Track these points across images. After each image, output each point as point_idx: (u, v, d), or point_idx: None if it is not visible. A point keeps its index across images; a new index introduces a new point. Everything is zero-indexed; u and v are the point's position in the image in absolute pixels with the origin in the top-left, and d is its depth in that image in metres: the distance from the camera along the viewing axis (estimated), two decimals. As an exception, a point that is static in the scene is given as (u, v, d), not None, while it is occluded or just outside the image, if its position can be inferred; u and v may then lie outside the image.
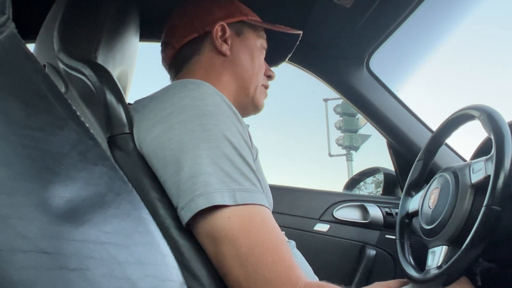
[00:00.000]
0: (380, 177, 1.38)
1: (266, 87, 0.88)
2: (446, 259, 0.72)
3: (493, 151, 0.67)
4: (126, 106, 0.65)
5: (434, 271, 0.71)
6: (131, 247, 0.35)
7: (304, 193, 1.25)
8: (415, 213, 0.90)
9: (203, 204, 0.54)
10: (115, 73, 0.77)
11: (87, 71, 0.65)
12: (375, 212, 1.16)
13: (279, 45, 0.95)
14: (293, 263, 0.57)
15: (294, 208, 1.20)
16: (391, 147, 1.26)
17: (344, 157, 9.64)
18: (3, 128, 0.31)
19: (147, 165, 0.62)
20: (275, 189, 0.94)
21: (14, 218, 0.28)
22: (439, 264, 0.72)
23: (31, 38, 0.88)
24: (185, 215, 0.56)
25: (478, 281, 0.74)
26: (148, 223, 0.39)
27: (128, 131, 0.64)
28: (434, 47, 1.42)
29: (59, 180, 0.33)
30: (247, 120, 0.80)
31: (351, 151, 9.55)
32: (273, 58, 0.98)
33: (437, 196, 0.81)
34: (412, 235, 0.92)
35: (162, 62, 0.89)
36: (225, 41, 0.82)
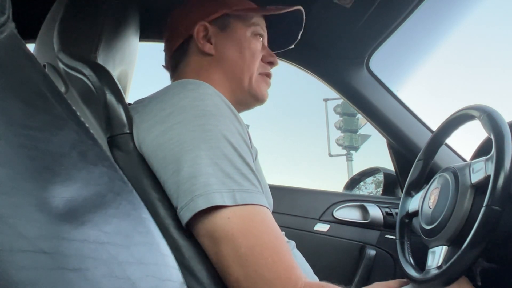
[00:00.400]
0: (380, 177, 1.38)
1: (267, 75, 0.85)
2: (446, 259, 0.72)
3: (493, 151, 0.67)
4: (126, 106, 0.65)
5: (434, 271, 0.71)
6: (131, 247, 0.35)
7: (304, 193, 1.26)
8: (415, 213, 0.90)
9: (202, 205, 0.54)
10: (115, 73, 0.77)
11: (87, 71, 0.65)
12: (375, 212, 1.16)
13: (286, 25, 0.92)
14: (293, 263, 0.57)
15: (294, 208, 1.20)
16: (391, 147, 1.26)
17: (344, 157, 9.65)
18: (2, 128, 0.31)
19: (147, 165, 0.62)
20: (275, 189, 0.94)
21: (14, 218, 0.28)
22: (439, 264, 0.72)
23: (31, 38, 0.88)
24: (185, 216, 0.56)
25: (478, 281, 0.74)
26: (148, 223, 0.39)
27: (128, 131, 0.64)
28: (434, 47, 1.42)
29: (59, 180, 0.33)
30: (247, 120, 0.80)
31: (351, 151, 9.56)
32: (285, 39, 0.96)
33: (437, 196, 0.81)
34: (412, 235, 0.92)
35: (164, 66, 0.90)
36: (209, 40, 0.81)
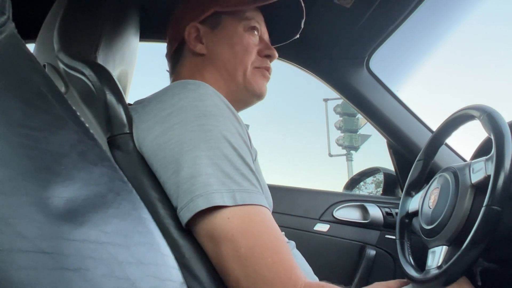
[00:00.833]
0: (380, 177, 1.38)
1: (266, 68, 0.83)
2: (446, 259, 0.72)
3: (493, 151, 0.67)
4: (126, 106, 0.65)
5: (434, 271, 0.71)
6: (131, 247, 0.35)
7: (304, 193, 1.26)
8: (415, 213, 0.90)
9: (202, 205, 0.54)
10: (115, 73, 0.77)
11: (87, 71, 0.65)
12: (375, 212, 1.16)
13: (287, 16, 0.90)
14: (293, 263, 0.57)
15: (294, 208, 1.20)
16: (391, 147, 1.26)
17: (344, 157, 9.65)
18: (2, 128, 0.31)
19: (147, 165, 0.61)
20: (275, 189, 0.94)
21: (14, 218, 0.28)
22: (439, 264, 0.72)
23: (31, 38, 0.88)
24: (185, 216, 0.55)
25: (478, 281, 0.74)
26: (148, 223, 0.39)
27: (128, 131, 0.64)
28: (434, 47, 1.42)
29: (59, 180, 0.33)
30: (247, 120, 0.79)
31: (351, 151, 9.55)
32: (288, 31, 0.93)
33: (437, 196, 0.81)
34: (412, 235, 0.92)
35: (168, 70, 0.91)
36: (200, 40, 0.81)
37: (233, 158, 0.58)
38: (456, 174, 0.77)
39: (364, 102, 1.22)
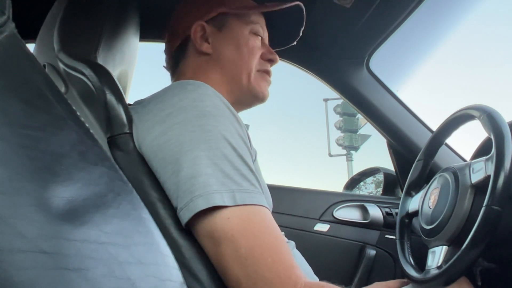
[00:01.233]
0: (380, 177, 1.38)
1: (266, 72, 0.84)
2: (446, 259, 0.72)
3: (493, 151, 0.67)
4: (126, 106, 0.65)
5: (434, 271, 0.71)
6: (131, 247, 0.35)
7: (304, 193, 1.25)
8: (415, 213, 0.90)
9: (202, 205, 0.54)
10: (115, 73, 0.77)
11: (87, 71, 0.65)
12: (375, 212, 1.16)
13: (287, 22, 0.92)
14: (293, 263, 0.57)
15: (294, 208, 1.20)
16: (391, 147, 1.26)
17: (344, 157, 9.64)
18: (3, 128, 0.31)
19: (147, 165, 0.62)
20: (275, 189, 0.93)
21: (14, 218, 0.28)
22: (439, 264, 0.72)
23: (31, 38, 0.88)
24: (185, 216, 0.56)
25: (478, 281, 0.74)
26: (148, 223, 0.39)
27: (128, 131, 0.64)
28: (434, 47, 1.42)
29: (59, 180, 0.33)
30: (246, 120, 0.79)
31: (351, 151, 9.55)
32: (287, 36, 0.96)
33: (437, 196, 0.81)
34: (412, 235, 0.92)
35: (165, 66, 0.91)
36: (206, 39, 0.81)
37: (232, 158, 0.58)
38: (456, 174, 0.77)
39: (364, 102, 1.22)
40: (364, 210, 1.18)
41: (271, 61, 0.85)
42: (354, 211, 1.19)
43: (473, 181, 0.72)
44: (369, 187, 1.58)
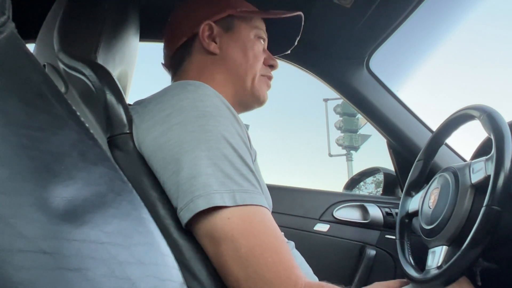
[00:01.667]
0: (380, 177, 1.38)
1: (268, 77, 0.86)
2: (446, 259, 0.72)
3: (493, 151, 0.67)
4: (126, 106, 0.65)
5: (434, 271, 0.71)
6: (131, 247, 0.35)
7: (304, 193, 1.25)
8: (415, 213, 0.90)
9: (202, 205, 0.54)
10: (115, 73, 0.77)
11: (87, 71, 0.65)
12: (375, 212, 1.16)
13: (284, 31, 0.93)
14: (293, 263, 0.57)
15: (294, 208, 1.20)
16: (391, 147, 1.26)
17: (344, 157, 9.65)
18: (3, 128, 0.31)
19: (147, 165, 0.62)
20: (274, 189, 0.94)
21: (14, 218, 0.28)
22: (439, 264, 0.72)
23: (31, 38, 0.88)
24: (185, 216, 0.56)
25: (478, 281, 0.74)
26: (148, 223, 0.39)
27: (128, 131, 0.64)
28: (434, 47, 1.42)
29: (59, 180, 0.33)
30: (246, 120, 0.80)
31: (351, 151, 9.55)
32: (281, 45, 0.97)
33: (437, 196, 0.81)
34: (412, 235, 0.92)
35: (163, 64, 0.90)
36: (213, 39, 0.81)
37: (233, 159, 0.58)
38: (456, 174, 0.77)
39: (364, 102, 1.22)
40: (364, 210, 1.18)
41: (272, 67, 0.87)
42: (354, 211, 1.19)
43: (473, 181, 0.72)
44: (369, 187, 1.58)
